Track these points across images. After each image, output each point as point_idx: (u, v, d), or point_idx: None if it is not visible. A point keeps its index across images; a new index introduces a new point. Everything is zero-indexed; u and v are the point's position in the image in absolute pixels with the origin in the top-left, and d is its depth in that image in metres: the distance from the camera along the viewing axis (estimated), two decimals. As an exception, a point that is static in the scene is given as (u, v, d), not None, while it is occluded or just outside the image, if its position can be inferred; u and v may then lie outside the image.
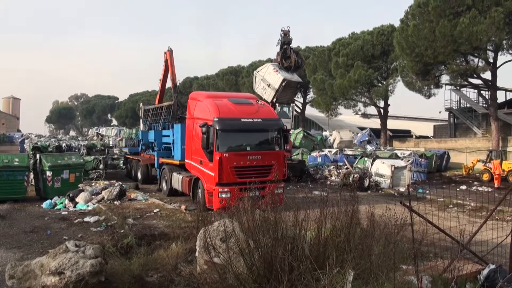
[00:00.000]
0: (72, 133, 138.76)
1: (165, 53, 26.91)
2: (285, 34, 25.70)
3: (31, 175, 20.28)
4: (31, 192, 19.69)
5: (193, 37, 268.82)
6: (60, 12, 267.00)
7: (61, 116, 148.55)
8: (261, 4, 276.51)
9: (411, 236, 6.79)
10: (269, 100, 25.78)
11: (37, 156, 20.33)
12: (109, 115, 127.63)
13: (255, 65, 57.90)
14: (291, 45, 26.43)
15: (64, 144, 33.41)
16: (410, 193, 7.59)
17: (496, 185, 25.71)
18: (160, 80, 28.55)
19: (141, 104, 32.15)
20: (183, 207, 16.70)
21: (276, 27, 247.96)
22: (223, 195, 15.09)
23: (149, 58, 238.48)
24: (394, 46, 38.45)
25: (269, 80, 25.28)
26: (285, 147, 17.19)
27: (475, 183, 27.09)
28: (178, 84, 26.41)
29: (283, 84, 24.32)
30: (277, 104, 29.55)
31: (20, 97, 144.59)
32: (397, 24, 39.05)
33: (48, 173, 18.87)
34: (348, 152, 33.61)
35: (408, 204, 6.89)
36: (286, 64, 25.47)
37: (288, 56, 25.57)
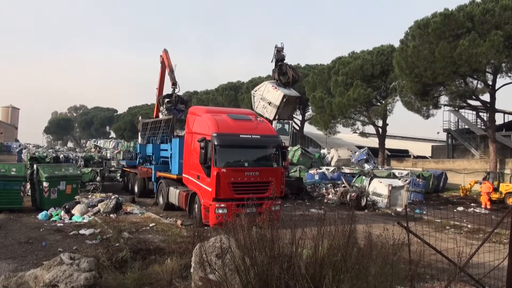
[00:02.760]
0: (70, 144, 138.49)
1: (161, 55, 27.34)
2: (279, 51, 25.83)
3: (28, 186, 20.20)
4: (27, 202, 19.61)
5: (193, 52, 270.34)
6: (62, 24, 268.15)
7: (59, 127, 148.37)
8: (261, 22, 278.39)
9: (408, 256, 6.76)
10: (271, 118, 25.85)
11: (35, 166, 20.31)
12: (107, 128, 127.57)
13: (255, 81, 58.12)
14: (285, 61, 26.50)
15: (61, 155, 33.35)
16: (407, 214, 7.57)
17: (482, 206, 25.60)
18: (156, 89, 28.74)
19: (139, 117, 32.22)
20: (179, 222, 16.64)
21: (276, 44, 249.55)
22: (220, 211, 15.06)
23: (149, 72, 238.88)
24: (393, 66, 38.62)
25: (269, 98, 25.36)
26: (283, 164, 17.17)
27: (472, 204, 27.05)
28: (179, 90, 26.66)
29: (284, 100, 24.41)
30: (275, 121, 29.62)
31: (19, 107, 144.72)
32: (397, 44, 39.36)
33: (45, 184, 18.83)
34: (346, 170, 33.60)
35: (405, 225, 6.87)
36: (284, 80, 25.55)
37: (285, 72, 25.67)
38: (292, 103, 24.74)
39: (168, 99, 26.39)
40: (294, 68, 26.13)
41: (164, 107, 26.58)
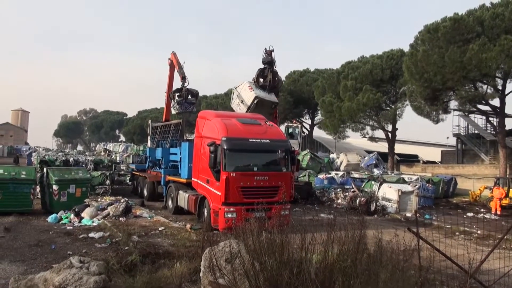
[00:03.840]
0: (79, 147, 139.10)
1: (169, 58, 27.52)
2: (267, 54, 25.81)
3: (38, 188, 20.30)
4: (37, 205, 19.69)
5: (203, 56, 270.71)
6: (73, 27, 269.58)
7: (69, 130, 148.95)
8: (270, 26, 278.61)
9: (417, 262, 6.73)
10: None
11: (44, 169, 20.41)
12: (117, 131, 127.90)
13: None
14: (273, 66, 26.39)
15: (71, 159, 33.55)
16: (417, 219, 7.55)
17: (493, 211, 25.45)
18: (165, 92, 28.85)
19: (149, 121, 32.32)
20: (188, 226, 16.65)
21: (285, 48, 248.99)
22: (229, 215, 15.03)
23: (158, 75, 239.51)
24: (403, 71, 38.43)
25: (243, 97, 25.25)
26: (292, 169, 17.14)
27: (482, 210, 26.89)
28: (188, 83, 26.84)
29: (255, 101, 24.22)
30: (285, 125, 29.62)
31: (29, 110, 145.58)
32: (406, 49, 39.18)
33: (55, 187, 18.93)
34: (355, 175, 33.47)
35: (415, 231, 6.85)
36: (262, 83, 25.48)
37: (266, 76, 25.63)
38: (265, 107, 24.42)
39: (178, 93, 26.54)
40: (276, 74, 26.00)
41: (175, 101, 26.73)
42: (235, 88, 26.92)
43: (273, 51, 25.55)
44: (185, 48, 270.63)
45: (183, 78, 26.19)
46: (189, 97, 26.36)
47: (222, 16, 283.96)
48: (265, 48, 25.60)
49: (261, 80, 25.43)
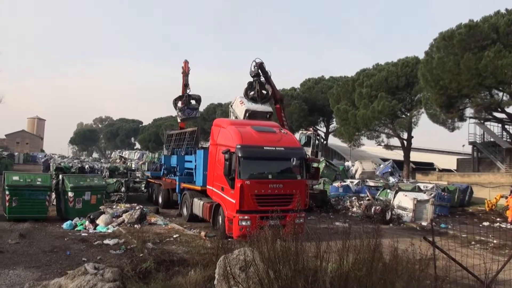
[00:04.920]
0: (95, 155, 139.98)
1: (182, 66, 27.89)
2: (255, 66, 25.87)
3: (53, 195, 20.44)
4: (52, 212, 19.83)
5: (218, 64, 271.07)
6: (88, 35, 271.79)
7: (85, 138, 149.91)
8: (283, 33, 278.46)
9: (433, 272, 6.67)
10: None
11: (60, 176, 20.56)
12: (132, 139, 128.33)
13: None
14: (260, 78, 26.41)
15: (87, 166, 33.68)
16: (433, 228, 7.48)
17: (509, 220, 25.16)
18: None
19: (165, 130, 32.53)
20: (203, 233, 16.66)
21: (299, 56, 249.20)
22: (243, 223, 15.02)
23: (174, 84, 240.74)
24: (418, 78, 38.28)
25: (237, 112, 25.36)
26: (306, 176, 17.07)
27: (497, 219, 26.60)
28: (190, 90, 27.62)
29: (247, 114, 24.28)
30: (300, 132, 29.56)
31: (45, 118, 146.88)
32: (421, 56, 39.02)
33: (70, 194, 19.05)
34: (370, 183, 33.29)
35: (431, 240, 6.79)
36: (251, 96, 25.54)
37: (254, 88, 25.69)
38: (260, 118, 24.32)
39: (180, 101, 26.83)
40: (263, 85, 26.01)
41: (178, 108, 27.02)
42: (231, 106, 27.12)
43: (262, 63, 25.64)
44: (201, 56, 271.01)
45: (186, 86, 26.70)
46: (192, 102, 26.69)
47: (238, 23, 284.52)
48: (254, 61, 25.72)
49: (251, 93, 25.54)
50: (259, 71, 25.67)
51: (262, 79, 25.71)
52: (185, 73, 27.53)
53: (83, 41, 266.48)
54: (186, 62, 28.16)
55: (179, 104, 27.63)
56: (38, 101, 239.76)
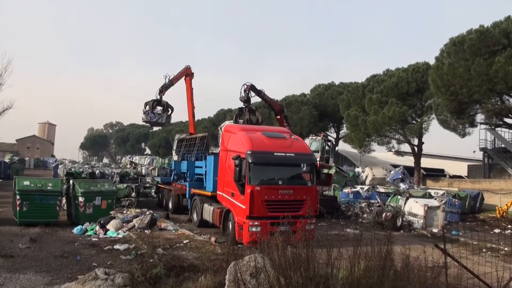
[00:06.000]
0: (105, 160, 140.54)
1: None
2: (245, 90, 25.88)
3: (64, 200, 20.53)
4: (63, 216, 19.91)
5: (228, 69, 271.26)
6: (99, 42, 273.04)
7: (95, 143, 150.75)
8: (296, 40, 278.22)
9: (445, 280, 6.63)
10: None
11: (71, 181, 20.64)
12: (142, 144, 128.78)
13: (288, 100, 58.12)
14: (250, 103, 26.43)
15: (97, 171, 33.89)
16: (444, 236, 7.45)
17: None
18: (188, 106, 29.35)
19: (176, 136, 32.58)
20: (213, 239, 16.65)
21: (312, 63, 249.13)
22: (254, 229, 14.97)
23: (183, 90, 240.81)
24: (429, 84, 38.09)
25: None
26: (316, 182, 17.03)
27: (509, 226, 26.41)
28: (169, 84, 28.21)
29: None
30: (310, 138, 29.50)
31: (55, 123, 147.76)
32: (432, 61, 38.88)
33: (81, 199, 19.12)
34: (381, 189, 33.15)
35: (442, 247, 6.75)
36: (240, 123, 25.56)
37: (243, 114, 25.69)
38: None
39: (146, 104, 27.22)
40: (255, 112, 26.00)
41: (143, 111, 27.37)
42: (220, 128, 27.31)
43: (252, 85, 25.70)
44: (212, 63, 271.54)
45: (160, 91, 27.45)
46: (156, 106, 27.06)
47: (252, 31, 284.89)
48: (244, 84, 25.78)
49: (240, 120, 25.58)
50: (249, 95, 25.78)
51: (253, 103, 25.83)
52: (175, 78, 27.96)
53: (94, 46, 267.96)
54: (185, 67, 28.75)
55: (147, 107, 28.08)
56: (49, 106, 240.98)
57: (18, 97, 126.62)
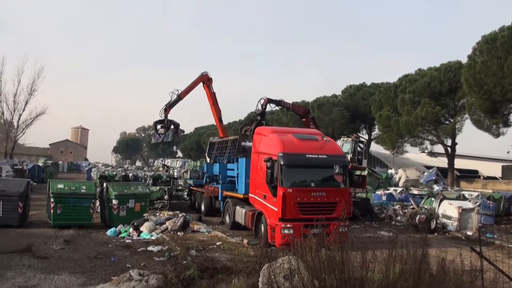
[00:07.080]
0: (138, 163, 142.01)
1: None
2: (262, 105, 25.72)
3: (97, 203, 20.78)
4: (96, 219, 20.09)
5: (258, 72, 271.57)
6: (131, 45, 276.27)
7: (128, 146, 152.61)
8: (323, 42, 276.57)
9: (480, 284, 6.52)
10: None
11: (104, 184, 20.87)
12: (174, 147, 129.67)
13: (319, 101, 58.01)
14: (264, 117, 26.21)
15: (130, 174, 34.19)
16: (480, 238, 7.33)
17: None
18: (211, 111, 29.49)
19: (210, 138, 32.71)
20: (245, 241, 16.66)
21: (343, 65, 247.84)
22: (286, 231, 14.93)
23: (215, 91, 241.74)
24: (461, 83, 37.62)
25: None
26: (349, 184, 16.90)
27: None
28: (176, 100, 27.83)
29: None
30: (341, 139, 29.33)
31: (88, 128, 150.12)
32: (464, 60, 38.38)
33: (114, 202, 19.29)
34: (414, 191, 32.75)
35: (478, 250, 6.65)
36: (244, 133, 25.31)
37: (250, 126, 25.48)
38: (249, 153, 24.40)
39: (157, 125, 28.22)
40: (261, 126, 25.92)
41: (151, 133, 27.74)
42: (241, 132, 27.23)
43: (268, 99, 25.68)
44: (239, 64, 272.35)
45: (165, 110, 27.49)
46: (158, 127, 27.91)
47: (279, 32, 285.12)
48: (261, 99, 25.65)
49: (245, 130, 25.50)
50: (266, 109, 25.77)
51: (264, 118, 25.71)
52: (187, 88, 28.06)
53: (126, 50, 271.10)
54: (203, 74, 28.78)
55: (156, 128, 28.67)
56: (82, 110, 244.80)
57: (52, 102, 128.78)
